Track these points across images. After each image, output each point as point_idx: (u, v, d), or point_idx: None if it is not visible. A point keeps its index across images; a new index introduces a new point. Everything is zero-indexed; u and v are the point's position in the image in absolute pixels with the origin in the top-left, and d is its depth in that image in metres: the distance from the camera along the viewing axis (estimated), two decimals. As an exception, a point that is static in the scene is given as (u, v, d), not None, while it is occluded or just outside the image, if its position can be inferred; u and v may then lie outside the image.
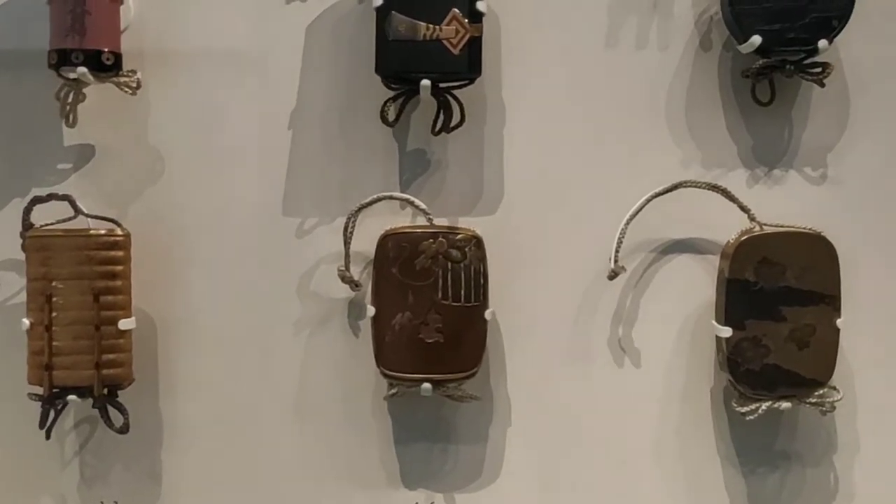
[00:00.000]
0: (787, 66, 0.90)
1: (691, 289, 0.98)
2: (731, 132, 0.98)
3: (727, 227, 0.96)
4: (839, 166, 0.98)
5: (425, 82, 0.88)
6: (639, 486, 1.01)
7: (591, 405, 1.01)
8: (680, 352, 1.00)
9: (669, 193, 0.96)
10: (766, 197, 0.99)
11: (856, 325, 0.99)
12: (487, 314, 0.92)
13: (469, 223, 0.98)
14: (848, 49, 0.97)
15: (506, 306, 1.00)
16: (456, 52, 0.87)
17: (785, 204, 0.99)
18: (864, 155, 0.98)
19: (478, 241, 0.91)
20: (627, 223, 0.94)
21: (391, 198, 0.94)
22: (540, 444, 1.01)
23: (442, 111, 0.92)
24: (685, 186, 0.95)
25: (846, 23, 0.90)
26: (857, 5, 0.91)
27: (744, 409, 0.93)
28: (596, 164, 0.99)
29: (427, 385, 0.92)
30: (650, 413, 1.01)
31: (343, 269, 0.95)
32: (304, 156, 0.98)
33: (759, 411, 0.93)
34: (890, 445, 1.00)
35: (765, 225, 0.94)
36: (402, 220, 0.98)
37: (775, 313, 0.91)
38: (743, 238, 0.91)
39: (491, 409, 1.01)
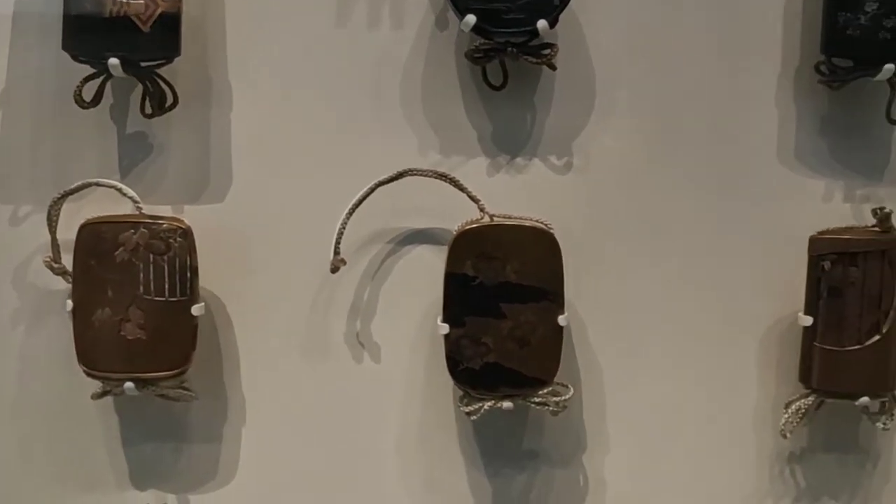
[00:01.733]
0: (510, 49, 0.83)
1: (429, 282, 0.92)
2: (470, 117, 0.93)
3: (466, 217, 0.90)
4: (584, 155, 0.92)
5: (113, 61, 0.80)
6: (379, 487, 0.95)
7: (329, 402, 0.95)
8: (420, 347, 0.94)
9: (403, 183, 0.88)
10: (509, 186, 0.93)
11: (600, 319, 0.94)
12: (196, 309, 0.85)
13: (195, 212, 0.92)
14: (590, 30, 0.91)
15: (237, 299, 0.94)
16: (146, 28, 0.80)
17: (527, 193, 0.93)
18: (610, 143, 0.92)
19: (184, 232, 0.85)
20: (350, 214, 0.88)
21: (97, 184, 0.87)
22: (276, 442, 0.95)
23: (148, 91, 0.85)
24: (411, 175, 0.88)
25: (567, 3, 0.83)
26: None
27: (468, 409, 0.88)
28: (328, 149, 0.92)
29: (130, 384, 0.85)
30: (390, 411, 0.96)
31: (49, 258, 0.87)
32: (15, 140, 0.91)
33: (482, 411, 0.87)
34: (638, 442, 0.95)
35: (495, 216, 0.88)
36: (125, 207, 0.91)
37: (495, 310, 0.85)
38: (462, 230, 0.85)
39: (224, 407, 0.95)
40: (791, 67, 0.92)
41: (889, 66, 0.83)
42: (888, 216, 0.84)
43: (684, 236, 0.93)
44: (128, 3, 0.81)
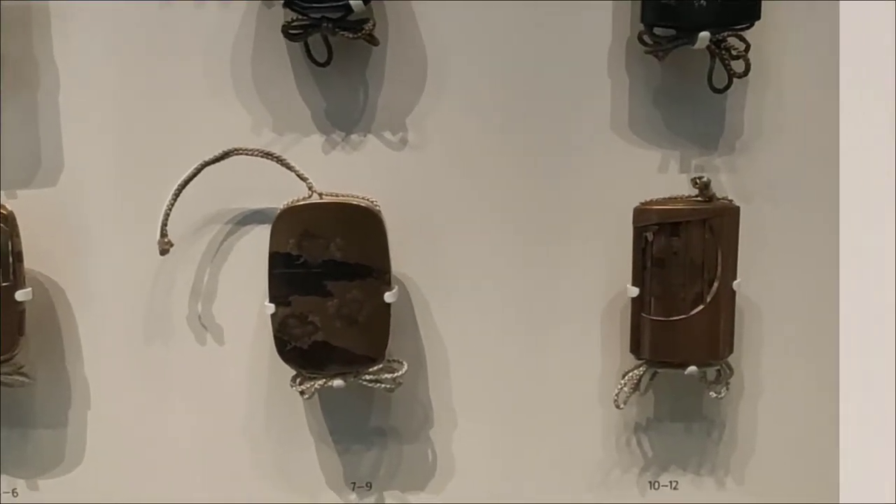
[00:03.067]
0: (325, 24, 0.82)
1: (265, 262, 0.91)
2: (303, 95, 0.92)
3: (297, 196, 0.89)
4: (419, 130, 0.91)
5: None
6: (228, 468, 0.95)
7: (174, 385, 0.96)
8: (262, 327, 0.93)
9: (236, 164, 0.88)
10: (344, 163, 0.93)
11: (442, 296, 0.94)
12: (21, 294, 0.85)
13: (29, 196, 0.91)
14: (419, 3, 0.90)
15: (76, 284, 0.94)
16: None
17: (363, 171, 0.93)
18: (443, 117, 0.91)
19: (5, 217, 0.84)
20: (176, 194, 0.88)
21: (-82, 172, 0.86)
22: (122, 426, 0.95)
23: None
24: (237, 154, 0.88)
25: None
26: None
27: (300, 389, 0.87)
28: (160, 131, 0.92)
29: (-45, 372, 0.84)
30: (237, 391, 0.96)
31: None
32: None
33: (313, 390, 0.87)
34: (485, 416, 0.96)
35: (323, 195, 0.87)
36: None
37: (321, 288, 0.85)
38: (285, 209, 0.84)
39: (68, 391, 0.95)
40: (622, 38, 0.91)
41: (704, 34, 0.82)
42: (707, 185, 0.84)
43: (521, 210, 0.93)
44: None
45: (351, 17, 0.86)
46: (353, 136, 0.93)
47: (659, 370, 0.89)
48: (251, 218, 0.93)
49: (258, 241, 0.93)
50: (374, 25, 0.86)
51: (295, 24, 0.85)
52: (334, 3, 0.83)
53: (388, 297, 0.86)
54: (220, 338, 0.95)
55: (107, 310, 0.94)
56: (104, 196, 0.93)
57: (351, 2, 0.83)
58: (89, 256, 0.94)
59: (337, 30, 0.85)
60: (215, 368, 0.96)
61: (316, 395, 0.93)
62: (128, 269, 0.94)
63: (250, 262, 0.94)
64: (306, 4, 0.83)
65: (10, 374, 0.90)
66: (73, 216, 0.93)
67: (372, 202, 0.88)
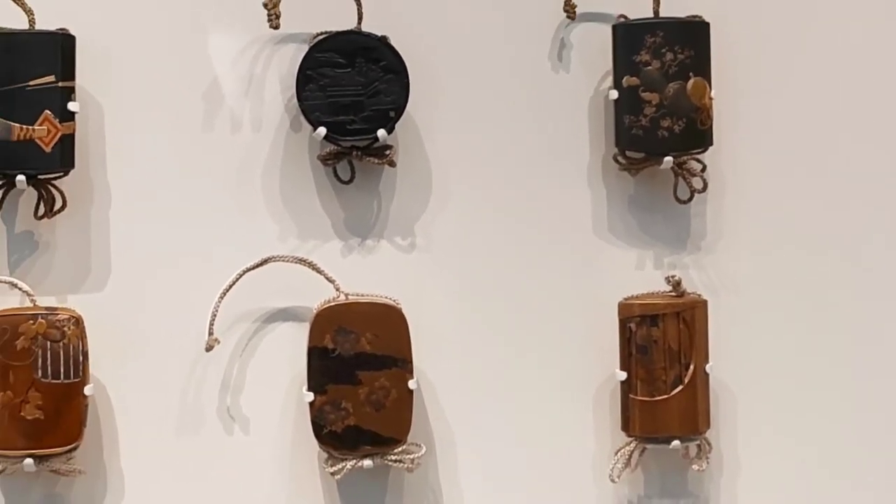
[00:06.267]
0: (355, 152, 1.45)
1: (292, 356, 1.54)
2: (324, 207, 1.57)
3: (323, 296, 1.50)
4: (426, 236, 1.54)
5: (20, 178, 1.40)
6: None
7: (203, 475, 1.57)
8: (286, 417, 1.54)
9: (266, 267, 1.48)
10: (360, 266, 1.57)
11: (449, 383, 1.59)
12: (88, 389, 1.44)
13: (78, 300, 1.51)
14: (426, 131, 1.54)
15: (116, 382, 1.54)
16: (48, 149, 1.40)
17: (377, 271, 1.57)
18: (447, 224, 1.56)
19: (76, 321, 1.44)
20: (221, 297, 1.49)
21: (-6, 281, 1.46)
22: (155, 516, 1.55)
23: (43, 198, 1.44)
24: (274, 261, 1.50)
25: (401, 115, 1.46)
26: (414, 98, 1.47)
27: (332, 470, 1.48)
28: (197, 240, 1.56)
29: (29, 461, 1.44)
30: (261, 480, 1.59)
31: (-51, 350, 1.45)
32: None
33: (345, 471, 1.48)
34: (489, 496, 1.58)
35: (349, 295, 1.49)
36: (14, 300, 1.49)
37: (353, 377, 1.47)
38: (321, 308, 1.45)
39: (104, 483, 1.55)
40: (599, 156, 1.56)
41: (668, 159, 1.49)
42: (679, 282, 1.49)
43: (516, 305, 1.60)
44: (33, 129, 1.41)
45: (376, 145, 1.48)
46: (368, 242, 1.57)
47: (647, 446, 1.53)
48: (277, 316, 1.55)
49: (283, 336, 1.56)
50: (395, 152, 1.49)
51: (332, 153, 1.47)
52: (364, 137, 1.46)
53: (412, 384, 1.49)
54: (246, 428, 1.57)
55: (143, 406, 1.57)
56: (147, 299, 1.54)
57: (378, 134, 1.46)
58: (129, 356, 1.55)
59: (364, 156, 1.48)
60: (240, 457, 1.59)
61: (332, 479, 1.52)
62: (163, 368, 1.57)
63: (273, 357, 1.58)
64: (342, 137, 1.46)
65: (64, 464, 1.48)
66: (115, 317, 1.53)
67: (394, 301, 1.50)
